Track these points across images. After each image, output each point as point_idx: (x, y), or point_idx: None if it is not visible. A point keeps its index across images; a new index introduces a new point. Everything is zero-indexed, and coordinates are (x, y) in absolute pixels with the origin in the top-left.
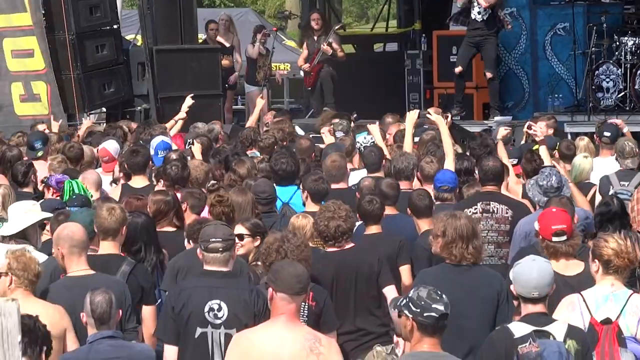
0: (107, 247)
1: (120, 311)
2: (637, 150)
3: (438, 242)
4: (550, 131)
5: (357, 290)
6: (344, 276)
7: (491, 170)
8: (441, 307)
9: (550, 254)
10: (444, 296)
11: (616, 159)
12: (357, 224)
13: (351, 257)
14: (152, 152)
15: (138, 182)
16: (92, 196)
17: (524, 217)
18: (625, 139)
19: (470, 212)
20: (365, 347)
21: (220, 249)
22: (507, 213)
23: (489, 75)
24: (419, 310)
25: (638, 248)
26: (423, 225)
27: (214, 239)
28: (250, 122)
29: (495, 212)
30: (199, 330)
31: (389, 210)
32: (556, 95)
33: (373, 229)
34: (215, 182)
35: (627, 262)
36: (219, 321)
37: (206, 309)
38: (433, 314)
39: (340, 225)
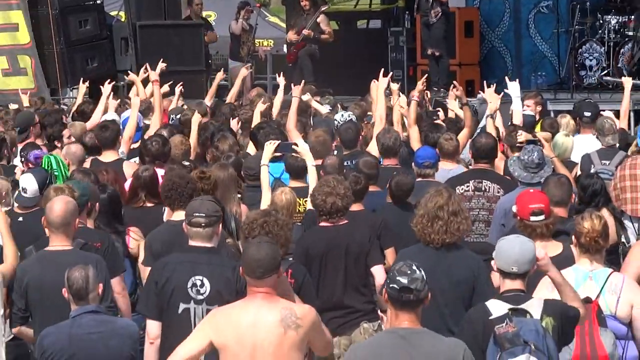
0: None
1: (101, 286)
2: (616, 127)
3: (418, 219)
4: (539, 108)
5: (346, 267)
6: (335, 252)
7: (483, 146)
8: (404, 280)
9: (528, 234)
10: (417, 272)
11: (597, 137)
12: None
13: (343, 233)
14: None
15: (108, 156)
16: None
17: None
18: (605, 117)
19: (462, 189)
20: (352, 324)
21: (203, 224)
22: (498, 192)
23: (436, 53)
24: (387, 281)
25: (621, 226)
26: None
27: (197, 214)
28: (232, 94)
29: (487, 190)
30: (181, 306)
31: (370, 188)
32: (539, 73)
33: (355, 207)
34: (188, 163)
35: (592, 242)
36: (201, 297)
37: (189, 284)
38: (395, 285)
39: (336, 202)
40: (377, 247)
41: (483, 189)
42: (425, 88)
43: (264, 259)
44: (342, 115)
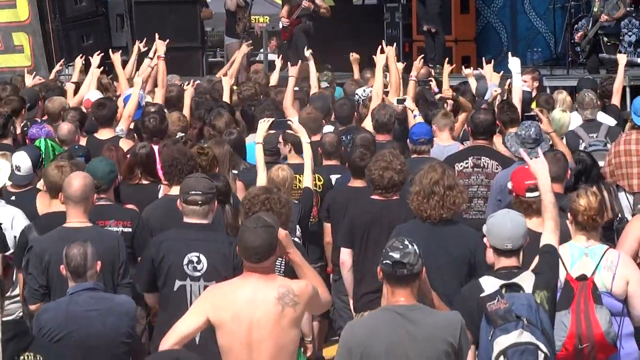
0: (58, 205)
1: (99, 264)
2: (597, 101)
3: (414, 196)
4: (535, 84)
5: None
6: (378, 225)
7: (482, 122)
8: (396, 256)
9: (523, 210)
10: (409, 246)
11: (576, 111)
12: (334, 177)
13: (391, 208)
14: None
15: (104, 134)
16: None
17: None
18: (586, 91)
19: (461, 166)
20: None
21: (200, 202)
22: (497, 169)
23: (432, 29)
24: (381, 258)
25: (615, 201)
26: None
27: (193, 192)
28: (232, 72)
29: (486, 167)
30: (177, 283)
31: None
32: (535, 49)
33: (358, 182)
34: (182, 134)
35: (589, 220)
36: (198, 274)
37: (185, 261)
38: (387, 261)
39: (394, 177)
40: None
41: (482, 165)
42: (422, 66)
43: (260, 247)
44: (365, 90)
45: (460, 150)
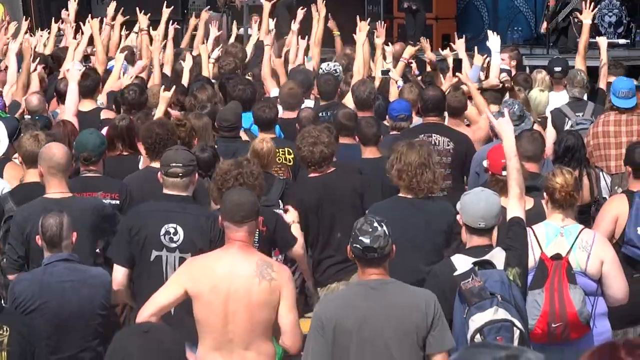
0: (33, 175)
1: (75, 234)
2: (587, 83)
3: (393, 172)
4: (513, 63)
5: (343, 213)
6: (329, 200)
7: (431, 99)
8: (366, 241)
9: (499, 189)
10: (379, 228)
11: (565, 87)
12: None
13: (334, 179)
14: None
15: (86, 105)
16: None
17: (464, 149)
18: (578, 69)
19: None
20: (349, 270)
21: (180, 174)
22: (448, 145)
23: (413, 6)
24: (351, 240)
25: (596, 185)
26: (366, 153)
27: (174, 164)
28: (197, 41)
29: (437, 144)
30: (154, 254)
31: (347, 140)
32: (515, 28)
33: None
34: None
35: (567, 197)
36: (174, 245)
37: (162, 232)
38: (357, 246)
39: (324, 150)
40: (371, 191)
41: (433, 142)
42: (417, 54)
43: (246, 203)
44: (328, 64)
45: (412, 127)
